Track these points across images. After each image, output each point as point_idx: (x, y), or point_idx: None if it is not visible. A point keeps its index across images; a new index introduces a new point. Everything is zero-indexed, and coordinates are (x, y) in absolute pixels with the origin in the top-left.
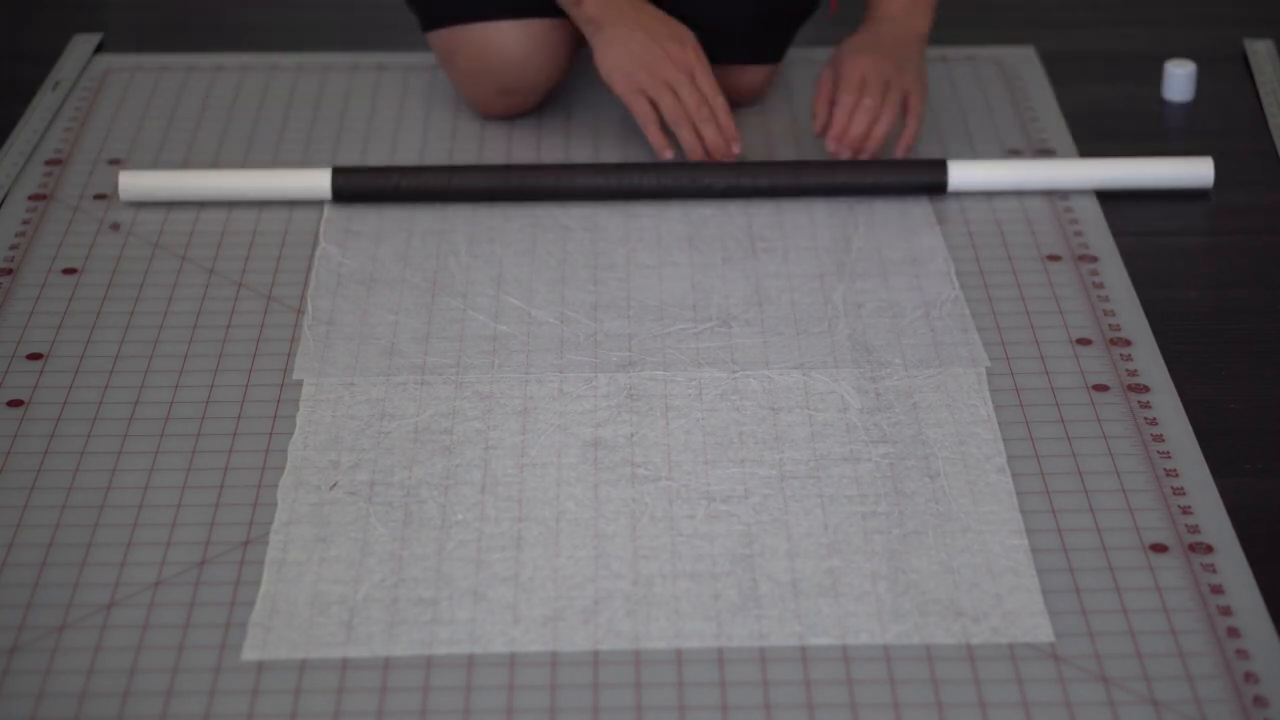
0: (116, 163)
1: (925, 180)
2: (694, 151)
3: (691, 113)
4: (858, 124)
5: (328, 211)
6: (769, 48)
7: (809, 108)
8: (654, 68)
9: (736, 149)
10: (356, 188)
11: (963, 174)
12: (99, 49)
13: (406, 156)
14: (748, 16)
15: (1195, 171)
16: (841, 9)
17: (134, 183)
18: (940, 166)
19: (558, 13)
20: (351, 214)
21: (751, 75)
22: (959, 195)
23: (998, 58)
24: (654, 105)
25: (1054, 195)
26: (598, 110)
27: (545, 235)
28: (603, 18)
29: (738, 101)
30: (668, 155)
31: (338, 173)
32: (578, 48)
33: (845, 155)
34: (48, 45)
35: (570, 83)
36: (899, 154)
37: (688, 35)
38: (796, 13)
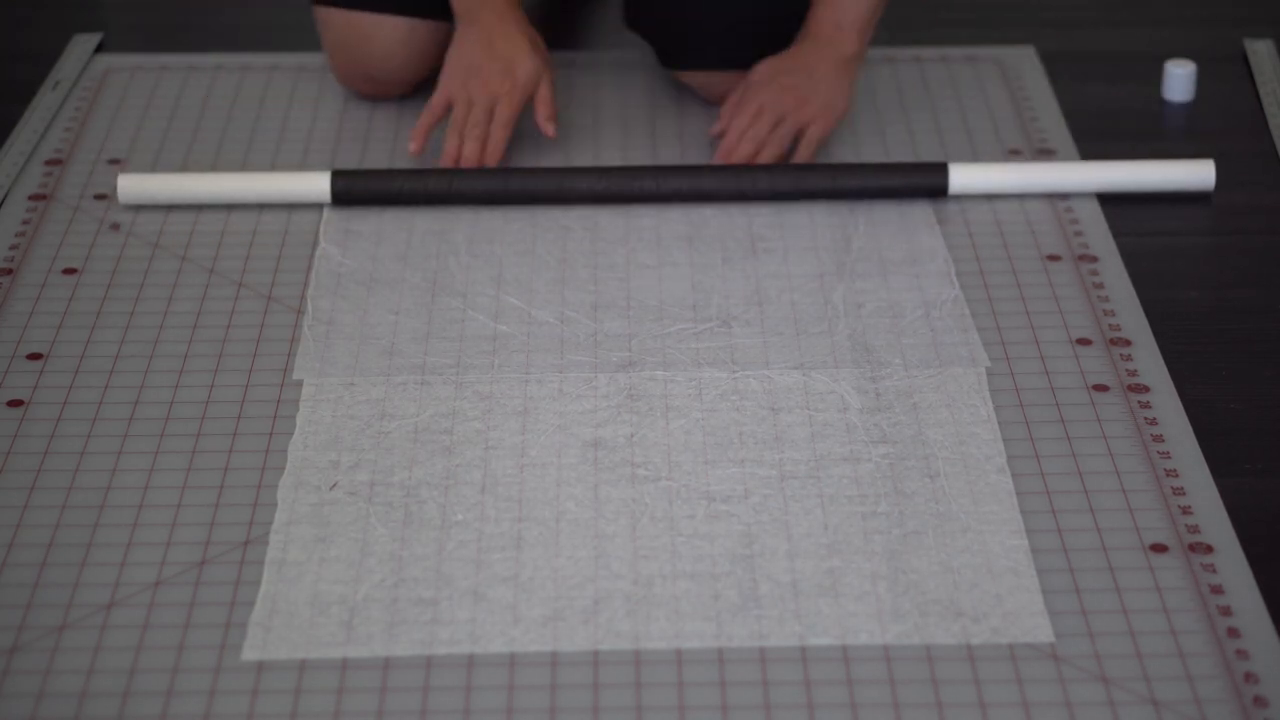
0: (116, 162)
1: (926, 183)
2: (448, 156)
3: (466, 125)
4: (742, 150)
5: (327, 212)
6: (769, 50)
7: None
8: (470, 81)
9: (492, 161)
10: (356, 191)
11: (964, 177)
12: (99, 49)
13: (407, 158)
14: (746, 18)
15: (1197, 174)
16: None
17: (133, 185)
18: (941, 170)
19: (427, 14)
20: (351, 214)
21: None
22: (960, 197)
23: (998, 58)
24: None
25: (1054, 196)
26: (597, 112)
27: (545, 235)
28: (463, 12)
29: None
30: (412, 150)
31: (337, 176)
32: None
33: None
34: (48, 45)
35: (571, 85)
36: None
37: (524, 65)
38: (795, 12)
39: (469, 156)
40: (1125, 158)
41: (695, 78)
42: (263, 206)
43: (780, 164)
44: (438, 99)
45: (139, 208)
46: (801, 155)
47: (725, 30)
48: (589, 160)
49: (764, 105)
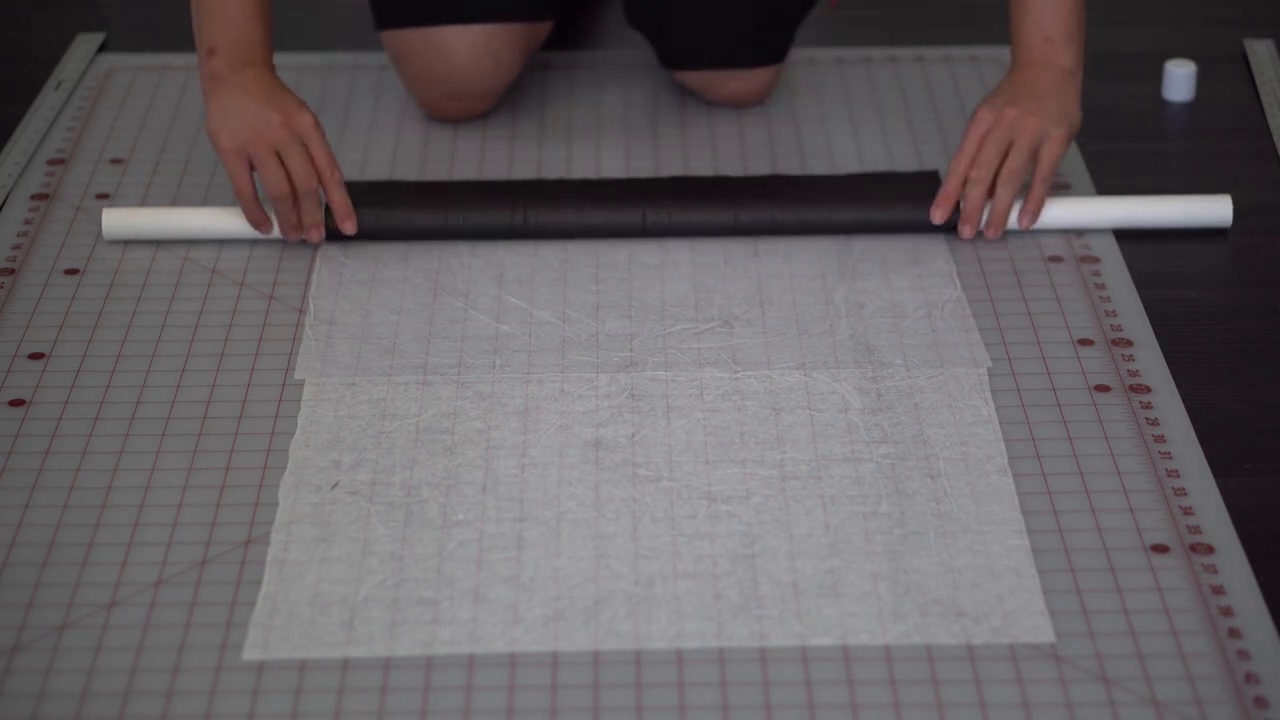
0: (119, 162)
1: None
2: (288, 229)
3: (298, 183)
4: (975, 178)
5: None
6: (769, 49)
7: (811, 110)
8: (262, 129)
9: (348, 227)
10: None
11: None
12: (102, 49)
13: (408, 158)
14: (745, 18)
15: (1213, 210)
16: (840, 5)
17: (118, 220)
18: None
19: (505, 17)
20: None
21: (753, 79)
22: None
23: (1000, 58)
24: (254, 172)
25: (1055, 197)
26: (599, 112)
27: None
28: (225, 76)
29: (741, 105)
30: (263, 230)
31: (329, 212)
32: (529, 52)
33: (967, 234)
34: (50, 45)
35: (572, 88)
36: (1022, 224)
37: (304, 107)
38: (794, 11)
39: (312, 224)
40: (1125, 157)
41: (694, 78)
42: (265, 200)
43: (798, 199)
44: (237, 167)
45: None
46: (1041, 173)
47: (723, 30)
48: (590, 162)
49: (988, 133)
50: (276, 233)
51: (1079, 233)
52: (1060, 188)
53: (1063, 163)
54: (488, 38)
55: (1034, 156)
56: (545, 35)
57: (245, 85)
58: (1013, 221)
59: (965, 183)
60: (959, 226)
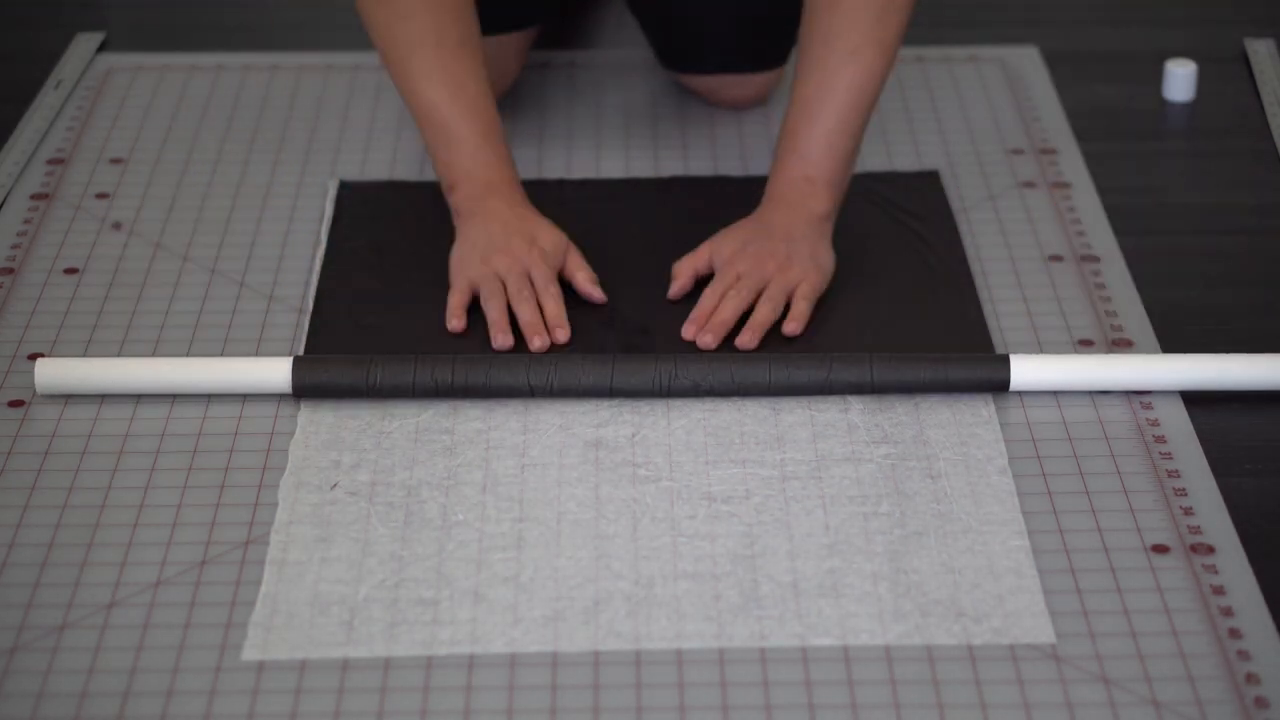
0: (119, 161)
1: (986, 378)
2: (498, 324)
3: (510, 295)
4: (723, 312)
5: (330, 210)
6: (770, 55)
7: None
8: (491, 258)
9: (561, 335)
10: (320, 384)
11: (1028, 372)
12: (101, 48)
13: (408, 159)
14: (746, 24)
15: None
16: None
17: (53, 372)
18: (1003, 363)
19: (500, 29)
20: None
21: (755, 83)
22: (960, 195)
23: (1001, 58)
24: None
25: (1056, 197)
26: (599, 112)
27: None
28: (468, 211)
29: (741, 108)
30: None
31: (300, 364)
32: (519, 67)
33: (708, 341)
34: (50, 45)
35: (572, 88)
36: (784, 333)
37: (544, 235)
38: (796, 16)
39: (531, 324)
40: (1125, 158)
41: (696, 81)
42: (265, 205)
43: (806, 352)
44: (459, 285)
45: (142, 205)
46: (796, 312)
47: (724, 36)
48: (590, 172)
49: (741, 273)
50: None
51: (1065, 196)
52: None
53: (1064, 163)
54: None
55: (787, 299)
56: (531, 41)
57: (481, 219)
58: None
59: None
60: (700, 335)
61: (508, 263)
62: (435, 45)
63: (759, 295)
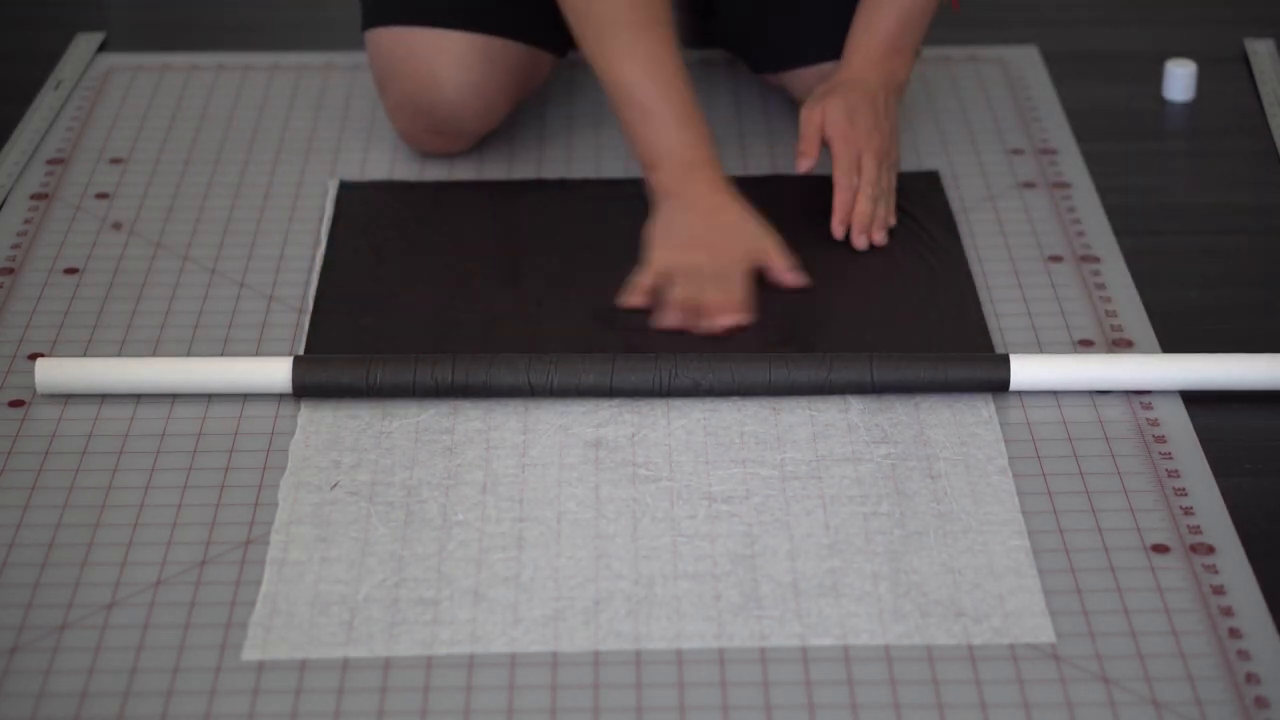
0: (119, 161)
1: (985, 378)
2: (683, 305)
3: (702, 309)
4: (862, 208)
5: (330, 210)
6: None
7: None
8: (690, 249)
9: (743, 318)
10: (320, 383)
11: (1028, 372)
12: (101, 48)
13: (408, 159)
14: (823, 12)
15: None
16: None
17: (54, 372)
18: (1003, 363)
19: (499, 30)
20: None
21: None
22: (960, 195)
23: (1001, 57)
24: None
25: (1056, 197)
26: (599, 115)
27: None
28: (671, 189)
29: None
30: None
31: (300, 363)
32: (521, 91)
33: (862, 244)
34: (50, 45)
35: (572, 88)
36: (876, 238)
37: (745, 227)
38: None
39: (714, 305)
40: (1125, 158)
41: (790, 78)
42: (265, 205)
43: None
44: (655, 266)
45: (142, 205)
46: (884, 212)
47: (815, 25)
48: (590, 159)
49: (862, 151)
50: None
51: (1065, 195)
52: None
53: (1064, 163)
54: (469, 49)
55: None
56: (544, 74)
57: (695, 201)
58: None
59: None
60: (854, 238)
61: (706, 258)
62: (630, 24)
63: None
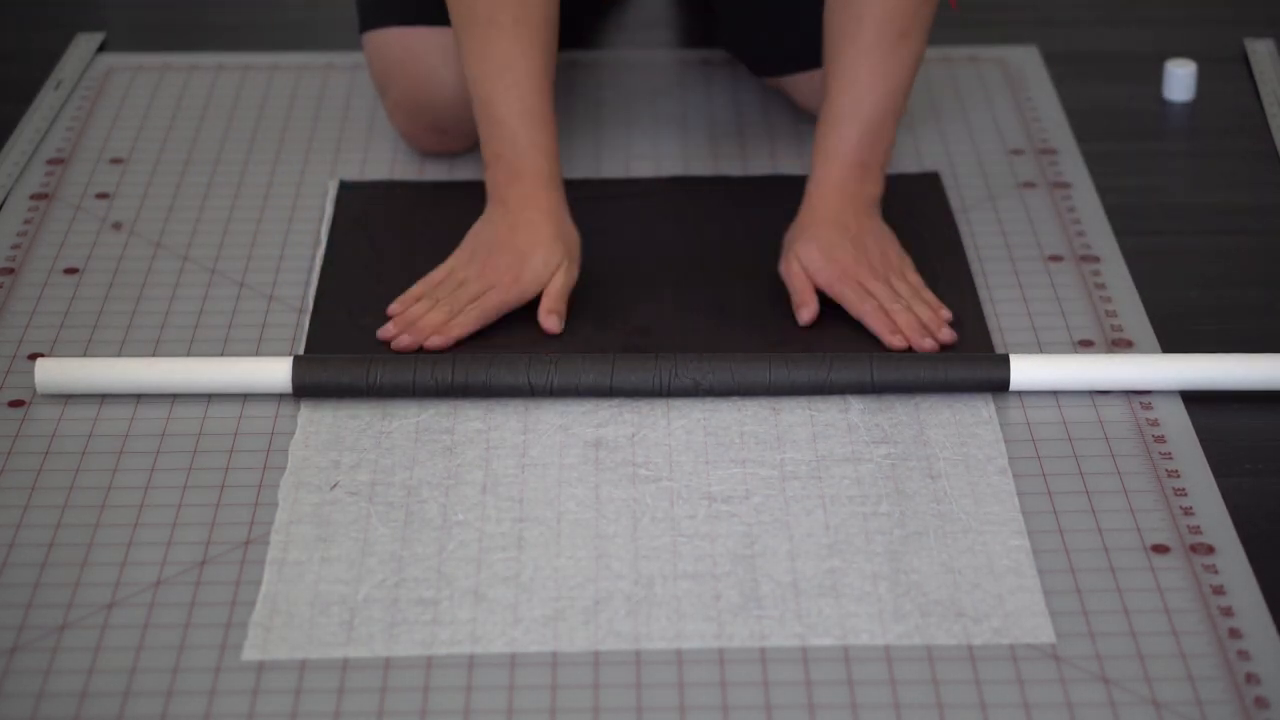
0: (119, 161)
1: (985, 378)
2: (402, 314)
3: (446, 295)
4: (904, 321)
5: (330, 210)
6: None
7: (812, 110)
8: (477, 260)
9: (439, 340)
10: (320, 383)
11: (1028, 372)
12: (101, 48)
13: (408, 159)
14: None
15: None
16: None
17: (54, 372)
18: (1003, 362)
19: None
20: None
21: None
22: (960, 195)
23: (1001, 58)
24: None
25: (1056, 197)
26: (599, 114)
27: None
28: (495, 194)
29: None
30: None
31: (300, 363)
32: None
33: (928, 344)
34: (50, 45)
35: (572, 88)
36: (942, 336)
37: (535, 260)
38: None
39: (425, 324)
40: (1125, 158)
41: (789, 82)
42: (265, 203)
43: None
44: (440, 268)
45: (142, 205)
46: (935, 307)
47: (814, 29)
48: (590, 159)
49: (860, 280)
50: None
51: (1065, 195)
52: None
53: (1064, 163)
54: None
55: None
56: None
57: (499, 212)
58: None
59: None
60: (918, 346)
61: (480, 274)
62: (487, 23)
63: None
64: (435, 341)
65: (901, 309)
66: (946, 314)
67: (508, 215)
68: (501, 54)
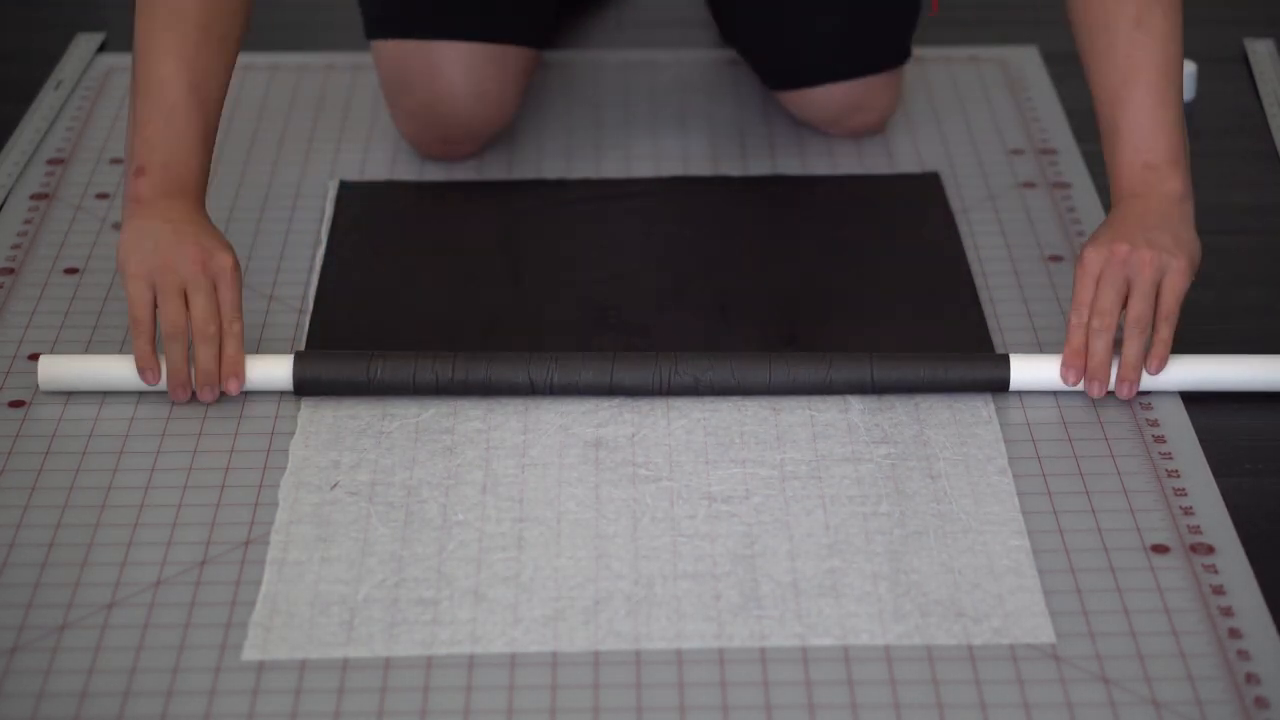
0: (118, 162)
1: (985, 378)
2: (176, 376)
3: (197, 326)
4: (1097, 350)
5: (330, 210)
6: (876, 54)
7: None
8: (175, 261)
9: (233, 387)
10: (321, 379)
11: (1028, 372)
12: (102, 49)
13: (408, 159)
14: (839, 21)
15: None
16: (943, 9)
17: (56, 369)
18: (1003, 362)
19: (502, 37)
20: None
21: (876, 104)
22: (960, 195)
23: (1001, 58)
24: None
25: (1056, 197)
26: (599, 114)
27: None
28: (149, 201)
29: (862, 135)
30: (148, 379)
31: (301, 358)
32: (522, 90)
33: (1095, 391)
34: (50, 45)
35: (572, 88)
36: (1151, 370)
37: (226, 247)
38: (897, 13)
39: (205, 371)
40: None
41: (811, 105)
42: (265, 204)
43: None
44: (140, 295)
45: None
46: (1165, 312)
47: (829, 41)
48: (590, 159)
49: (1102, 274)
50: (163, 384)
51: (1065, 195)
52: (1047, 152)
53: (1064, 163)
54: (482, 71)
55: (1156, 294)
56: (534, 71)
57: (168, 214)
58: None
59: (1088, 333)
60: (1086, 384)
61: (195, 272)
62: (163, 27)
63: (1125, 301)
64: (207, 397)
65: (1101, 337)
66: (1156, 359)
67: (164, 215)
68: (156, 52)
